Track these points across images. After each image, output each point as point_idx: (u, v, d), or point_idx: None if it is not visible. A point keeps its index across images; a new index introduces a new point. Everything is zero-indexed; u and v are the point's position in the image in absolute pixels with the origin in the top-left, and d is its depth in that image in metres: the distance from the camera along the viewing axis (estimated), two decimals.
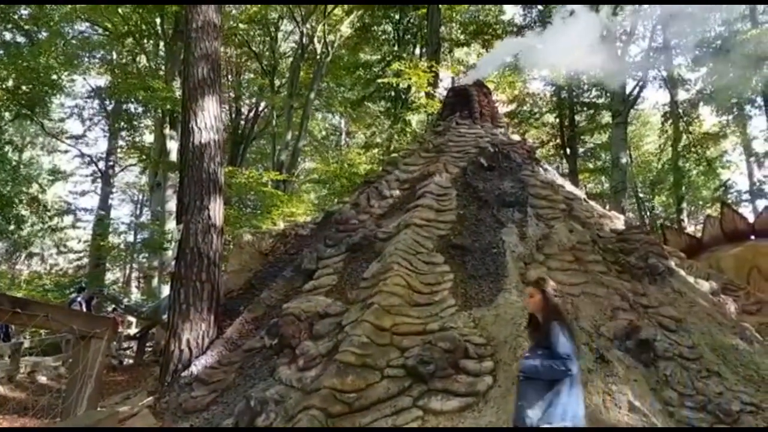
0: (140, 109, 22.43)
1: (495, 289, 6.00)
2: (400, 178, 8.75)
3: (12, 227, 17.55)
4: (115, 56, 23.07)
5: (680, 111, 21.86)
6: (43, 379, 9.48)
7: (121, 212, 33.56)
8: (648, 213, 26.21)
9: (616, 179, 18.77)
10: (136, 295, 24.46)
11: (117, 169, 26.47)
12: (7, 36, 19.00)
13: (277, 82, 23.62)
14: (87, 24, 20.98)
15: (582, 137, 24.65)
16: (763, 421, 4.60)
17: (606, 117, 23.07)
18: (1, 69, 17.14)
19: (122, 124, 23.61)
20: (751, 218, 11.40)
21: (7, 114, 18.87)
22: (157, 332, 12.82)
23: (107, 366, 9.58)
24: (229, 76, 23.92)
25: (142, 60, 21.72)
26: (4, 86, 17.73)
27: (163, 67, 20.31)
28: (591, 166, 26.27)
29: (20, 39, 19.31)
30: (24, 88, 17.78)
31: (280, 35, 23.59)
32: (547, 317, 3.45)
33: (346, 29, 21.29)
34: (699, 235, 11.50)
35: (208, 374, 6.01)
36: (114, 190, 28.74)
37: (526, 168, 8.54)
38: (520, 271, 6.30)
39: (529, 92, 24.95)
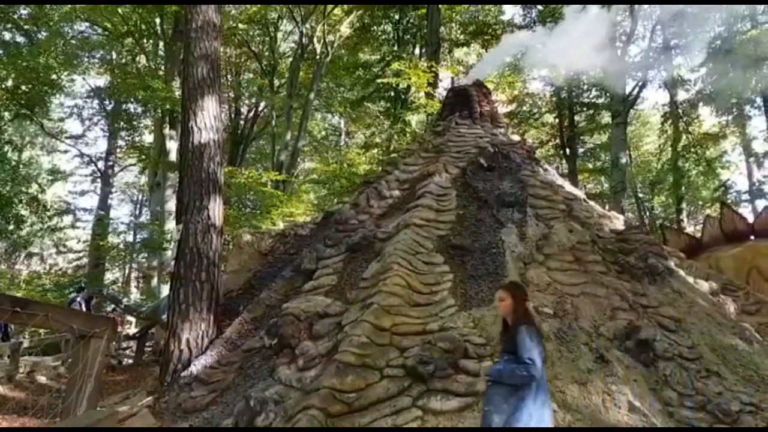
0: (140, 109, 22.46)
1: (495, 289, 5.94)
2: (400, 178, 8.74)
3: (11, 227, 17.58)
4: (114, 56, 23.07)
5: (680, 111, 21.84)
6: (42, 378, 9.46)
7: (121, 212, 33.64)
8: (647, 213, 26.23)
9: (616, 179, 18.78)
10: (135, 294, 24.47)
11: (116, 168, 26.47)
12: (7, 36, 19.02)
13: (276, 82, 23.60)
14: (86, 24, 20.96)
15: (582, 137, 24.64)
16: (763, 421, 4.59)
17: (606, 117, 23.06)
18: (1, 69, 17.15)
19: (122, 123, 23.64)
20: (750, 218, 11.41)
21: (6, 114, 18.87)
22: (156, 332, 12.81)
23: (107, 366, 9.57)
24: (229, 76, 23.92)
25: (142, 60, 21.71)
26: (3, 86, 17.73)
27: (162, 67, 20.28)
28: (591, 166, 26.27)
29: (20, 39, 19.32)
30: (24, 87, 17.80)
31: (279, 35, 23.58)
32: (516, 321, 3.44)
33: (345, 29, 21.29)
34: (698, 235, 11.53)
35: (208, 374, 6.01)
36: (113, 189, 28.74)
37: (526, 168, 8.53)
38: (519, 271, 6.30)
39: (529, 92, 24.93)
